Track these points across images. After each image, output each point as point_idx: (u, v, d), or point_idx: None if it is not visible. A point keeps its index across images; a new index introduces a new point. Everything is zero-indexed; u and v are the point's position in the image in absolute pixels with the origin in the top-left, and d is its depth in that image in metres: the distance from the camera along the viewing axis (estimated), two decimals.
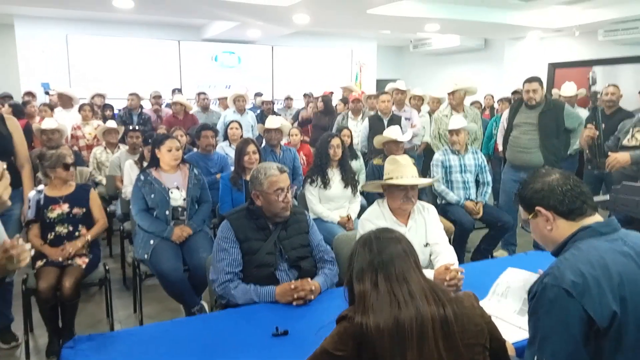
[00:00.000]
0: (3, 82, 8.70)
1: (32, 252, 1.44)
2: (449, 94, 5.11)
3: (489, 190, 4.31)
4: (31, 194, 1.51)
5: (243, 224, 2.31)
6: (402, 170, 2.66)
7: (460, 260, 3.55)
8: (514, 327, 1.87)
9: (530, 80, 4.31)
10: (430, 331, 1.33)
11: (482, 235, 4.25)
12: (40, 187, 1.59)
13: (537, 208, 1.49)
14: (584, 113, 5.36)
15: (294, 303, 2.08)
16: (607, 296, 1.27)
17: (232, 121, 5.23)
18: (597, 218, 1.47)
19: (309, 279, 2.19)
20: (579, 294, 1.27)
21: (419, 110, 6.13)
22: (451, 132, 4.20)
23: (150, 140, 3.89)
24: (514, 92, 6.78)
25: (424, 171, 5.14)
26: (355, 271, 1.46)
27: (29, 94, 7.27)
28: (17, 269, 1.42)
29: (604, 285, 1.28)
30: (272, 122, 4.57)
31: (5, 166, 1.35)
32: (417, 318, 1.33)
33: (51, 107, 6.41)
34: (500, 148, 4.86)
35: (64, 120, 6.08)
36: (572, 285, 1.28)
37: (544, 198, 1.47)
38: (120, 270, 4.19)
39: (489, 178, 4.33)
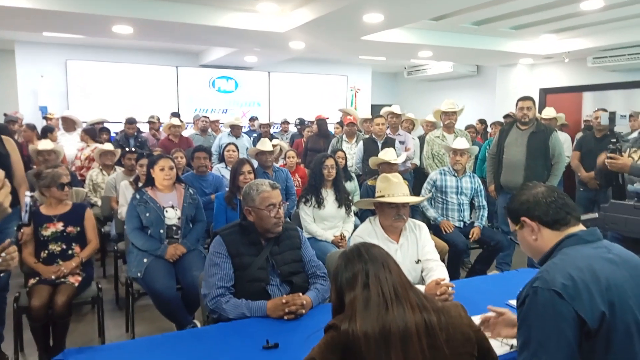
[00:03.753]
0: (2, 106, 8.78)
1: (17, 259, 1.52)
2: (446, 113, 5.21)
3: (485, 214, 4.35)
4: (26, 199, 1.55)
5: (235, 239, 2.32)
6: (393, 188, 2.70)
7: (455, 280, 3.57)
8: (494, 341, 1.87)
9: (524, 98, 4.43)
10: (415, 338, 1.34)
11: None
12: (29, 192, 1.63)
13: (523, 218, 1.55)
14: (563, 137, 5.47)
15: (285, 317, 2.08)
16: (596, 298, 1.31)
17: (229, 143, 5.32)
18: (581, 227, 1.52)
19: (301, 294, 2.20)
20: (569, 297, 1.30)
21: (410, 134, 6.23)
22: (455, 152, 4.26)
23: (144, 154, 3.94)
24: (506, 116, 6.89)
25: (414, 192, 5.20)
26: (346, 279, 1.48)
27: (10, 122, 6.99)
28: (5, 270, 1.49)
29: (592, 288, 1.32)
30: (264, 144, 4.64)
31: (4, 174, 1.39)
32: (400, 324, 1.35)
33: (50, 129, 6.47)
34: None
35: (68, 142, 6.19)
36: (562, 288, 1.31)
37: (529, 209, 1.54)
38: (114, 290, 4.17)
39: (484, 202, 4.38)
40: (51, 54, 9.20)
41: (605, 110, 5.16)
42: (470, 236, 4.12)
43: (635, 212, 2.68)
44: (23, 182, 3.25)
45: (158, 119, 7.71)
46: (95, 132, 6.40)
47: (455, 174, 4.28)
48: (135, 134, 6.96)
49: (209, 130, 7.62)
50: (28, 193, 1.54)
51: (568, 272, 1.35)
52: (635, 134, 4.01)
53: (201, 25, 5.96)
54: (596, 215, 2.83)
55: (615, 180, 3.16)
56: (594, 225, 2.91)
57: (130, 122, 6.87)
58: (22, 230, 3.05)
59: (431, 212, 4.22)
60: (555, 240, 1.50)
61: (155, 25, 6.04)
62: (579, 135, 6.93)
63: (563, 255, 1.43)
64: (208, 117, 7.80)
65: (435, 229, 4.13)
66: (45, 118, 8.00)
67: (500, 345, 1.83)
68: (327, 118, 8.24)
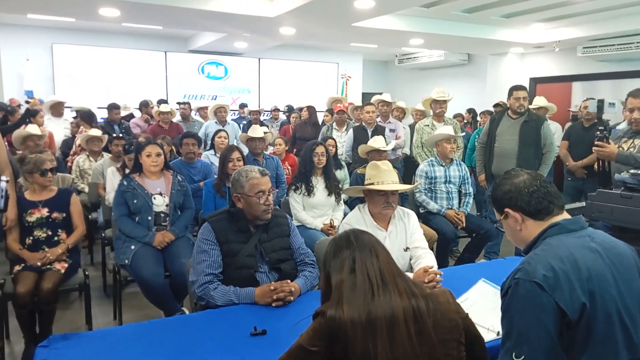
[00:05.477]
0: None
1: None
2: (436, 102, 5.20)
3: (471, 200, 4.37)
4: (1, 184, 1.50)
5: (224, 226, 2.31)
6: (382, 176, 2.70)
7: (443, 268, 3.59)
8: (482, 329, 1.88)
9: (519, 88, 4.41)
10: (402, 324, 1.34)
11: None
12: (4, 177, 1.58)
13: (506, 209, 1.53)
14: (554, 126, 5.51)
15: (273, 304, 2.08)
16: (577, 289, 1.30)
17: (220, 130, 5.28)
18: (565, 216, 1.51)
19: (289, 281, 2.19)
20: (550, 288, 1.30)
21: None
22: (449, 141, 4.24)
23: (131, 149, 3.88)
24: (496, 105, 6.89)
25: (403, 181, 5.19)
26: (333, 264, 1.48)
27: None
28: None
29: (573, 279, 1.31)
30: (255, 131, 4.61)
31: None
32: (387, 310, 1.35)
33: (33, 113, 6.34)
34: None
35: (56, 128, 6.08)
36: (543, 279, 1.31)
37: (512, 199, 1.52)
38: (101, 277, 4.14)
39: (471, 189, 4.39)
40: (37, 37, 9.03)
41: (593, 98, 5.17)
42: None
43: (621, 200, 2.69)
44: (6, 167, 3.19)
45: (151, 103, 7.58)
46: (92, 117, 6.22)
47: (443, 164, 4.28)
48: (121, 120, 6.87)
49: (191, 116, 7.40)
50: (3, 178, 1.50)
51: (549, 262, 1.34)
52: (624, 124, 4.02)
53: (190, 8, 5.87)
54: (583, 204, 2.84)
55: (602, 166, 3.18)
56: (581, 214, 2.93)
57: (113, 107, 6.75)
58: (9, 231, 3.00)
59: (433, 205, 4.15)
60: (539, 229, 1.49)
61: (142, 8, 5.94)
62: (568, 124, 6.97)
63: (545, 245, 1.42)
64: (189, 103, 7.55)
65: (424, 217, 4.14)
66: (27, 102, 7.85)
67: (487, 332, 1.84)
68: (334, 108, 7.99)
